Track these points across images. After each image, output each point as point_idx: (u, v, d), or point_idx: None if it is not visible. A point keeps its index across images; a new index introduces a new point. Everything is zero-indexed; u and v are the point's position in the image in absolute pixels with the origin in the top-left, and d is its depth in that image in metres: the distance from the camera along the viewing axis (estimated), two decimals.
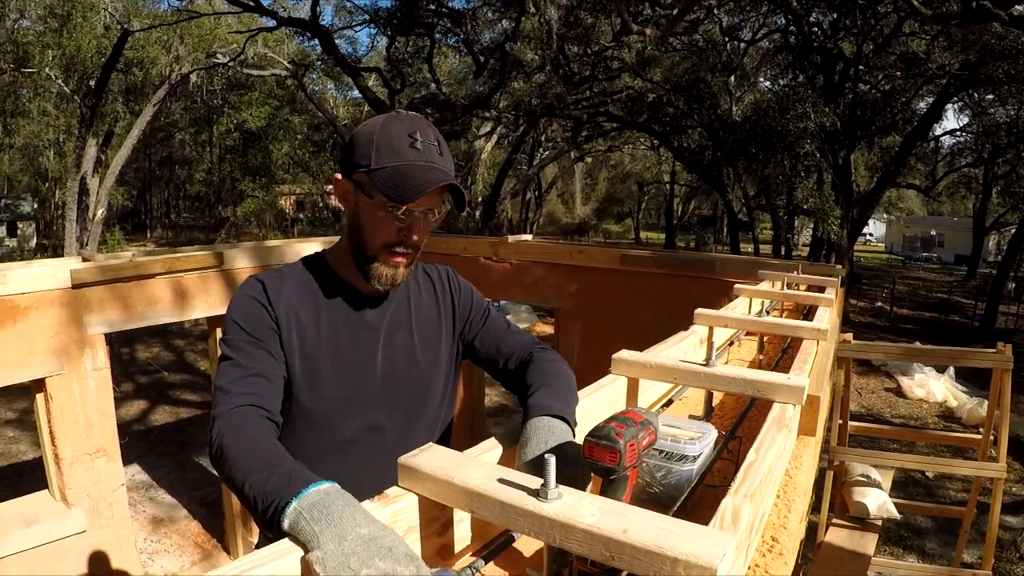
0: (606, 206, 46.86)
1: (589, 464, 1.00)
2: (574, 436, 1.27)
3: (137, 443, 9.50)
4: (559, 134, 23.46)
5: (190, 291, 5.09)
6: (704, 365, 1.52)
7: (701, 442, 1.33)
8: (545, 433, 1.22)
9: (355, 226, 1.49)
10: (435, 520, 1.05)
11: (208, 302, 5.20)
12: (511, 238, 6.04)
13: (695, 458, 1.31)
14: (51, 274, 4.29)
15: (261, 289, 1.48)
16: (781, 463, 1.38)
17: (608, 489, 1.02)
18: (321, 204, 34.32)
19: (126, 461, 5.05)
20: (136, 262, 4.76)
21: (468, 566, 0.97)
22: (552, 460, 0.87)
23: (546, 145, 24.32)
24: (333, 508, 0.88)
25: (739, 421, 1.63)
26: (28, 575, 4.10)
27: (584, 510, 0.85)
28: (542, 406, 1.30)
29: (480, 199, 19.54)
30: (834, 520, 4.75)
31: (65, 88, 20.38)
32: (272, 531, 0.96)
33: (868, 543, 4.51)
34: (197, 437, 9.88)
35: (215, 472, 1.24)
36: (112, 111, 20.23)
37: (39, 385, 4.37)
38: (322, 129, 27.19)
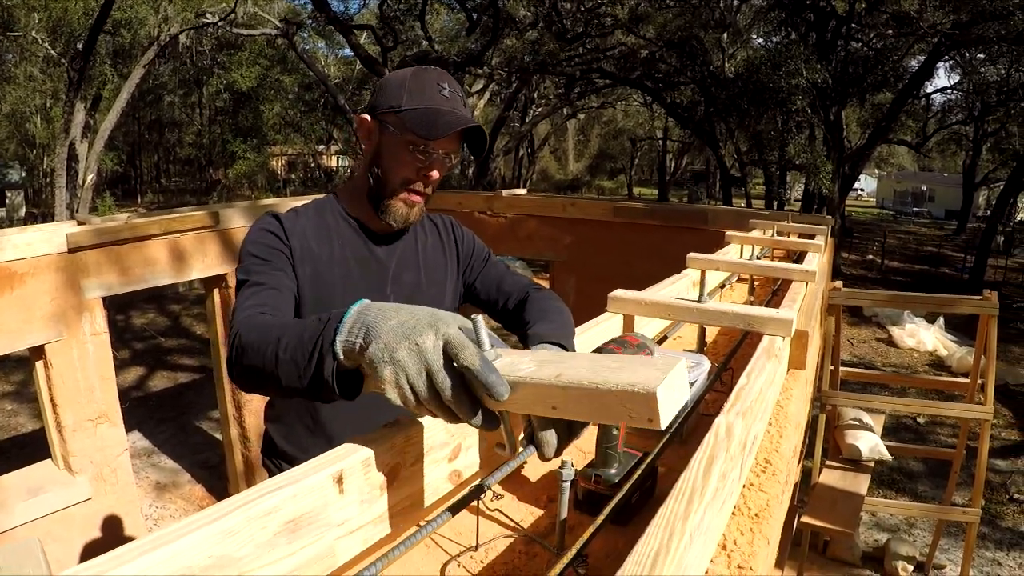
0: (599, 162, 46.55)
1: None
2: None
3: (136, 410, 9.55)
4: (552, 91, 23.23)
5: (187, 252, 5.08)
6: (697, 302, 1.58)
7: (695, 371, 1.39)
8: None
9: (376, 164, 1.56)
10: (446, 445, 1.10)
11: (205, 262, 5.20)
12: (505, 192, 6.06)
13: (690, 385, 1.36)
14: (47, 239, 4.28)
15: (276, 222, 1.55)
16: (772, 390, 1.43)
17: None
18: (313, 164, 34.02)
19: (126, 428, 5.06)
20: (132, 224, 4.74)
21: (477, 485, 1.02)
22: (479, 319, 0.86)
23: (539, 102, 24.08)
24: (367, 318, 0.89)
25: (731, 354, 1.69)
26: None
27: (522, 365, 0.84)
28: (540, 335, 1.35)
29: (473, 157, 19.40)
30: (828, 462, 4.86)
31: (52, 52, 20.05)
32: (317, 377, 0.96)
33: (861, 483, 4.63)
34: (196, 401, 9.94)
35: (238, 385, 1.23)
36: (100, 74, 19.94)
37: (38, 352, 4.37)
38: (313, 88, 26.82)
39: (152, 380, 11.13)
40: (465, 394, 0.83)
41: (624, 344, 1.06)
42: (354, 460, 0.89)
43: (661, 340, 1.99)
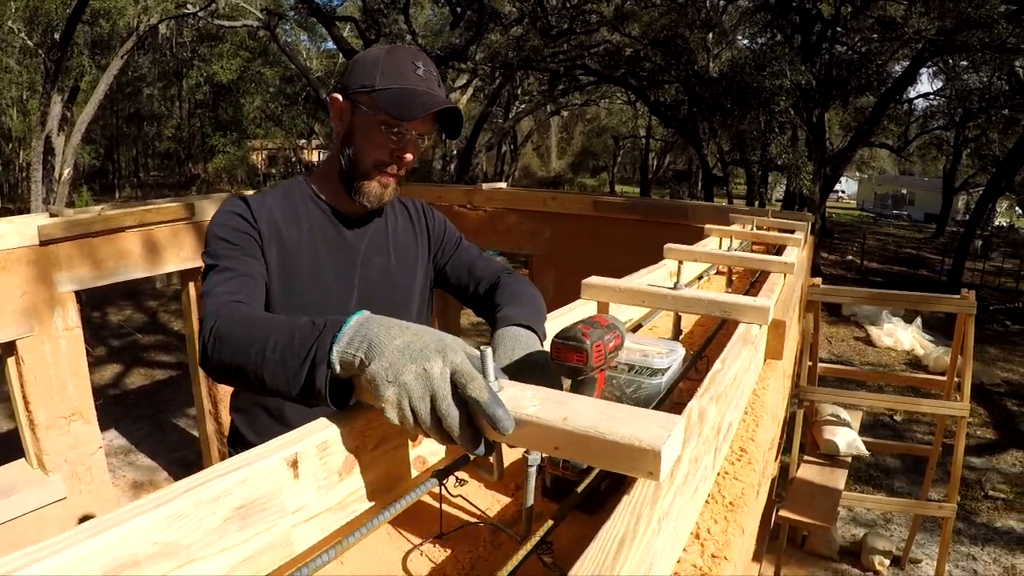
0: (582, 160, 46.56)
1: (556, 366, 1.02)
2: (542, 347, 1.28)
3: (113, 407, 9.43)
4: (535, 87, 23.27)
5: (162, 244, 5.00)
6: (672, 289, 1.55)
7: (670, 357, 1.36)
8: (512, 341, 1.23)
9: (348, 145, 1.52)
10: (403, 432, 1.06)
11: (180, 255, 5.13)
12: (485, 186, 6.04)
13: (664, 371, 1.34)
14: (18, 231, 4.19)
15: (244, 204, 1.52)
16: (748, 378, 1.41)
17: (576, 391, 1.04)
18: (294, 159, 33.80)
19: (102, 427, 4.99)
20: (106, 216, 4.66)
21: (441, 470, 0.99)
22: (488, 352, 0.85)
23: (522, 98, 24.09)
24: (369, 332, 0.87)
25: (707, 342, 1.66)
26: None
27: (526, 401, 0.84)
28: (509, 317, 1.32)
29: (455, 152, 19.40)
30: (805, 457, 4.87)
31: (28, 42, 19.76)
32: (308, 384, 0.94)
33: (839, 478, 4.64)
34: (173, 398, 9.83)
35: (211, 375, 1.19)
36: (78, 65, 19.67)
37: (9, 348, 4.29)
38: (295, 82, 26.65)
39: (129, 377, 10.99)
40: (468, 424, 0.82)
41: (594, 324, 1.03)
42: (309, 443, 0.86)
43: (635, 328, 1.96)
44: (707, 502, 1.09)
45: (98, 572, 0.62)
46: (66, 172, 15.59)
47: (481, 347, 0.87)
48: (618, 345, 1.06)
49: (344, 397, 0.95)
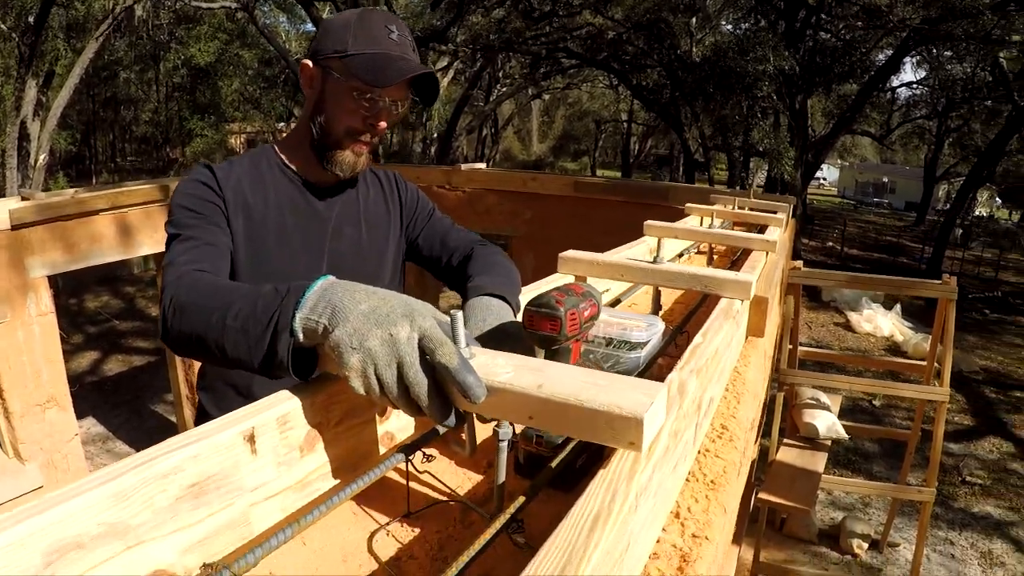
0: (563, 144, 46.57)
1: (529, 335, 0.98)
2: (515, 319, 1.23)
3: (90, 394, 9.37)
4: (517, 71, 23.20)
5: (135, 227, 4.95)
6: (652, 263, 1.51)
7: (649, 331, 1.33)
8: (483, 311, 1.18)
9: (318, 113, 1.47)
10: (376, 404, 1.02)
11: (155, 237, 5.06)
12: (464, 166, 6.01)
13: (643, 345, 1.30)
14: None
15: (209, 172, 1.46)
16: (729, 354, 1.37)
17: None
18: (272, 142, 33.69)
19: (80, 414, 4.94)
20: (78, 199, 4.62)
21: (410, 445, 0.94)
22: (459, 316, 0.82)
23: (503, 81, 24.01)
24: (333, 297, 0.83)
25: (688, 317, 1.63)
26: None
27: (498, 368, 0.80)
28: (481, 287, 1.28)
29: (435, 135, 19.34)
30: (785, 440, 4.87)
31: (2, 26, 19.43)
32: (271, 353, 0.89)
33: (818, 461, 4.65)
34: (151, 384, 9.76)
35: (172, 348, 1.14)
36: (53, 49, 19.34)
37: None
38: (273, 64, 26.33)
39: (106, 364, 10.91)
40: (437, 393, 0.78)
41: (568, 292, 0.98)
42: (268, 417, 0.81)
43: (614, 304, 1.92)
44: (687, 480, 1.05)
45: (38, 557, 0.58)
46: (42, 158, 15.38)
47: (451, 311, 0.83)
48: (594, 314, 1.02)
49: (309, 368, 0.91)
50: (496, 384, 0.77)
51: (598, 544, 0.61)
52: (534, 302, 0.97)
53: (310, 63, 1.47)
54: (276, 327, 0.87)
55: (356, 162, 1.49)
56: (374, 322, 0.79)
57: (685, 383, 0.94)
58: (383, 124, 1.45)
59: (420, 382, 0.77)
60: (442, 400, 0.79)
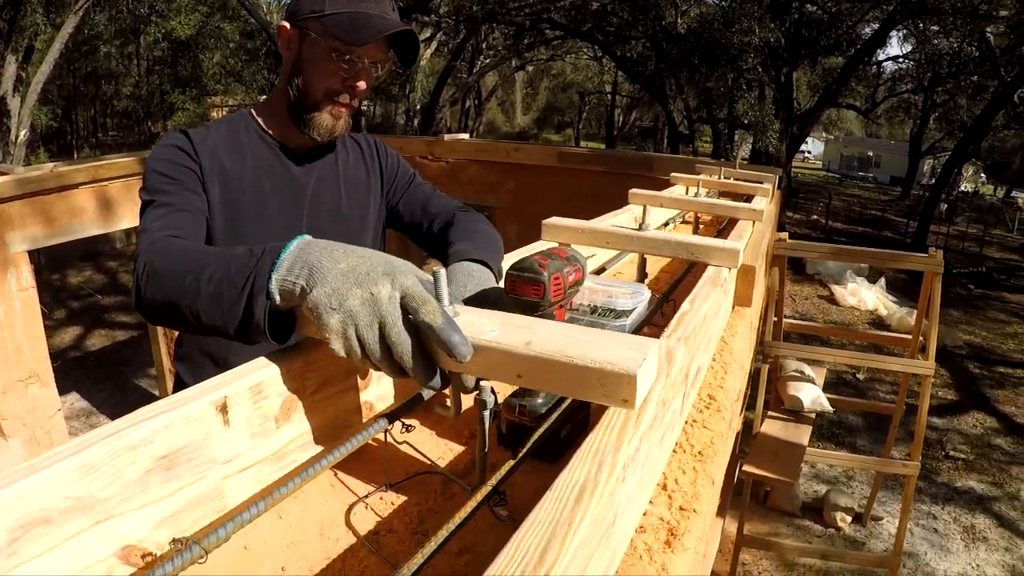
0: (547, 115, 46.50)
1: (511, 300, 0.95)
2: (497, 285, 1.21)
3: (74, 370, 9.32)
4: (500, 42, 23.05)
5: (116, 200, 4.91)
6: (638, 230, 1.49)
7: (635, 298, 1.30)
8: (464, 276, 1.14)
9: (296, 75, 1.44)
10: (353, 373, 0.99)
11: (136, 211, 4.92)
12: (447, 136, 5.99)
13: (628, 313, 1.28)
14: None
15: (184, 138, 1.43)
16: (717, 322, 1.35)
17: None
18: (251, 106, 33.54)
19: (63, 389, 4.91)
20: (58, 172, 4.59)
21: (389, 414, 0.91)
22: (442, 273, 0.79)
23: (487, 53, 23.86)
24: (311, 257, 0.80)
25: (674, 286, 1.61)
26: None
27: (484, 326, 0.78)
28: (462, 252, 1.25)
29: (418, 107, 19.22)
30: (770, 413, 4.88)
31: None
32: (247, 317, 0.86)
33: (803, 434, 4.65)
34: (135, 359, 9.72)
35: (145, 316, 1.11)
36: (32, 24, 19.09)
37: None
38: (255, 36, 26.01)
39: (90, 339, 10.84)
40: (421, 353, 0.75)
41: (552, 256, 0.95)
42: (241, 386, 0.78)
43: (598, 272, 1.90)
44: (675, 451, 1.03)
45: (2, 533, 0.56)
46: (22, 134, 15.23)
47: (434, 269, 0.81)
48: (578, 280, 0.99)
49: (287, 332, 0.88)
50: (482, 343, 0.75)
51: (584, 516, 0.58)
52: (516, 266, 0.94)
53: (287, 25, 1.45)
54: (252, 289, 0.84)
55: (334, 125, 1.46)
56: (354, 281, 0.76)
57: (673, 351, 0.92)
58: (362, 84, 1.43)
59: (403, 342, 0.75)
60: (426, 361, 0.76)
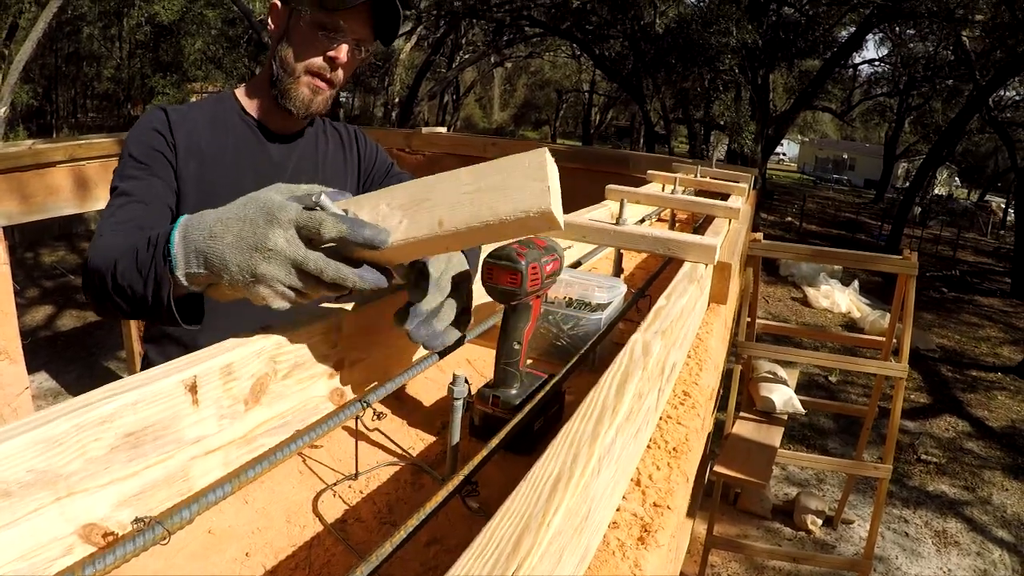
0: (524, 112, 46.61)
1: (488, 289, 0.94)
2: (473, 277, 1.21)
3: (43, 349, 9.18)
4: (480, 38, 23.05)
5: (93, 180, 4.86)
6: (615, 224, 1.48)
7: (611, 292, 1.30)
8: (443, 262, 1.14)
9: (282, 48, 1.46)
10: (327, 357, 0.98)
11: None
12: (425, 130, 5.95)
13: (604, 307, 1.27)
14: None
15: (162, 116, 1.43)
16: (693, 318, 1.35)
17: (510, 318, 0.96)
18: (235, 87, 33.33)
19: (32, 368, 4.83)
20: (35, 150, 4.54)
21: (360, 400, 0.90)
22: (318, 189, 0.81)
23: (466, 48, 23.86)
24: (197, 244, 0.81)
25: (650, 281, 1.60)
26: None
27: (389, 219, 0.79)
28: None
29: (397, 100, 19.17)
30: (741, 414, 4.88)
31: None
32: (161, 309, 0.89)
33: (774, 435, 4.66)
34: (106, 341, 9.59)
35: (98, 314, 1.15)
36: (16, 2, 18.90)
37: None
38: (237, 24, 25.83)
39: (60, 319, 10.69)
40: (345, 264, 0.77)
41: (530, 245, 0.95)
42: (211, 366, 0.77)
43: (574, 266, 1.89)
44: (648, 447, 1.03)
45: None
46: (2, 111, 15.04)
47: (311, 189, 0.82)
48: (556, 270, 0.98)
49: (198, 311, 0.96)
50: (399, 241, 0.77)
51: (558, 508, 0.57)
52: (494, 254, 0.93)
53: (278, 3, 1.47)
54: (156, 284, 0.88)
55: (311, 99, 1.47)
56: (247, 248, 0.77)
57: (649, 344, 0.91)
58: (343, 58, 1.43)
59: (328, 267, 0.76)
60: (356, 266, 0.78)
